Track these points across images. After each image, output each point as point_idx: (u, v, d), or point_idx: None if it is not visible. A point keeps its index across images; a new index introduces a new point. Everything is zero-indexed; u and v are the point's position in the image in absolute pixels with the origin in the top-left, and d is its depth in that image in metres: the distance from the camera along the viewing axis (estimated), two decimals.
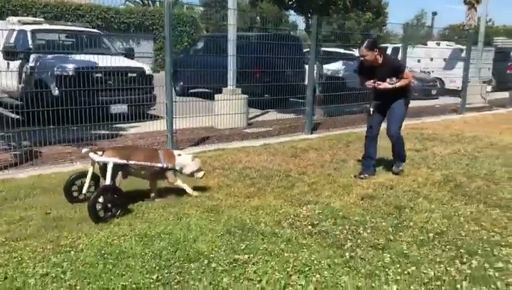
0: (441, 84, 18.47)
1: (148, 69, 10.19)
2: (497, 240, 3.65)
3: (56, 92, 8.62)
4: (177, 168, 4.51)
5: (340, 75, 14.49)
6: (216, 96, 9.54)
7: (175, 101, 7.20)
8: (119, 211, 4.03)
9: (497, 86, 19.20)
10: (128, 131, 8.49)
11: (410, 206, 4.42)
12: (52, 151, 6.45)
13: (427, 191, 4.98)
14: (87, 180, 4.29)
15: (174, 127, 7.08)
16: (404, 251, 3.41)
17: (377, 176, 5.58)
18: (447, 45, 19.41)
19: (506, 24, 39.22)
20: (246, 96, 9.78)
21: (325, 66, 14.36)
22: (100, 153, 4.15)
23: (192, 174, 4.62)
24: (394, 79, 5.30)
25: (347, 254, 3.33)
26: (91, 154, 4.14)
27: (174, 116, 7.02)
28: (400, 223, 3.98)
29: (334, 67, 14.65)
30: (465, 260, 3.31)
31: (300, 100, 10.44)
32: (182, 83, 14.66)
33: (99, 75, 8.90)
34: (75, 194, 4.39)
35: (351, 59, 14.98)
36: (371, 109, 5.59)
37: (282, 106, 10.46)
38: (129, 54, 11.47)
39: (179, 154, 4.61)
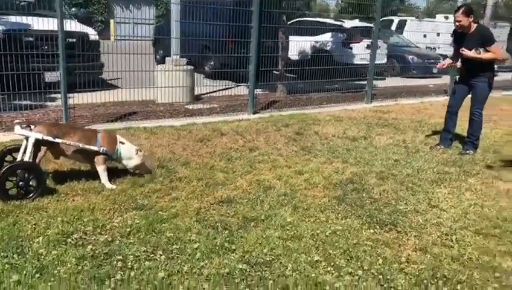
0: None
1: (93, 34, 9.30)
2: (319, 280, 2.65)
3: None
4: (115, 157, 4.09)
5: (328, 48, 13.32)
6: (157, 66, 8.62)
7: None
8: (34, 193, 3.58)
9: None
10: (56, 102, 7.68)
11: (262, 218, 3.45)
12: None
13: (308, 195, 3.98)
14: (20, 155, 3.77)
15: (70, 101, 6.27)
16: None
17: (453, 148, 5.85)
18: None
19: None
20: (191, 67, 8.78)
21: (312, 38, 13.26)
22: (32, 126, 3.77)
23: (135, 169, 4.20)
24: (481, 50, 5.30)
25: None
26: (16, 127, 3.73)
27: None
28: (221, 244, 3.01)
29: (322, 39, 13.44)
30: None
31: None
32: (161, 52, 13.79)
33: (30, 38, 8.11)
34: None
35: (339, 30, 13.69)
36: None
37: (258, 80, 9.37)
38: (84, 17, 10.71)
39: (122, 142, 4.14)
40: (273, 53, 9.32)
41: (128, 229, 3.16)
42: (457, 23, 5.42)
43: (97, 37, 9.46)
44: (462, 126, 6.09)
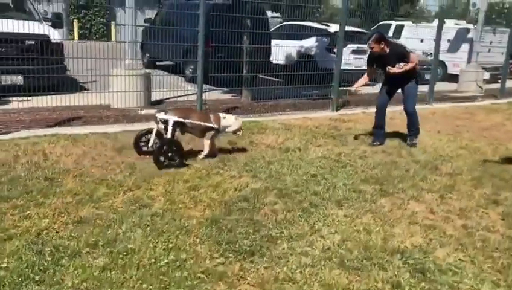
0: (443, 69, 16.17)
1: (55, 37, 9.13)
2: None
3: None
4: (222, 128, 5.25)
5: (312, 53, 12.94)
6: (112, 70, 8.38)
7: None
8: (177, 160, 4.81)
9: None
10: (9, 105, 7.46)
11: (102, 243, 3.11)
12: None
13: (184, 215, 3.63)
14: (152, 136, 5.07)
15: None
16: None
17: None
18: (455, 24, 16.94)
19: None
20: (148, 71, 8.52)
21: (298, 43, 12.93)
22: (163, 112, 4.95)
23: (235, 132, 5.42)
24: (402, 64, 5.96)
25: None
26: (157, 114, 4.98)
27: None
28: (28, 275, 2.70)
29: (306, 44, 13.10)
30: None
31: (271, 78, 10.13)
32: (148, 55, 13.60)
33: None
34: (143, 146, 5.16)
35: (324, 35, 13.25)
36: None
37: (238, 85, 9.11)
38: (55, 21, 10.63)
39: (224, 117, 5.29)
40: (237, 58, 8.97)
41: None
42: (370, 49, 6.08)
43: (59, 40, 9.30)
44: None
